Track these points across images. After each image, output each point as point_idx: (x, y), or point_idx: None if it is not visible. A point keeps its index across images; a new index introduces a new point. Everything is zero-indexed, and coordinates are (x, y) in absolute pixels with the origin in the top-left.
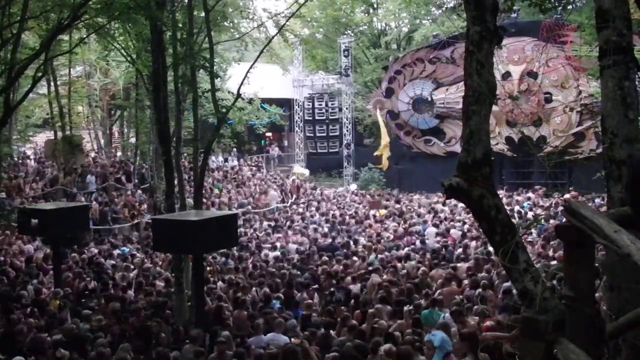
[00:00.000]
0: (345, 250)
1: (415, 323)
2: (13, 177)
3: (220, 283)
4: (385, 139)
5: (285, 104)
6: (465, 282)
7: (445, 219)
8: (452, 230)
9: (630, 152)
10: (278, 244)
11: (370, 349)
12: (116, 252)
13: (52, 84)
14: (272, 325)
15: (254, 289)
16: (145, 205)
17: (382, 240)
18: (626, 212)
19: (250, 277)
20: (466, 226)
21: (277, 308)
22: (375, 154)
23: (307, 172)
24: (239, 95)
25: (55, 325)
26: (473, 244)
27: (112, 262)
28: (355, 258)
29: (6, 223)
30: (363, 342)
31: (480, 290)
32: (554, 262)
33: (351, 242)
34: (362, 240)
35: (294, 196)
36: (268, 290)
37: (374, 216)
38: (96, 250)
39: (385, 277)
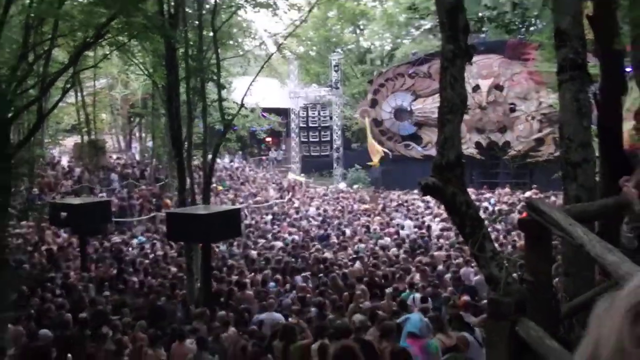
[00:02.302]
0: (334, 240)
1: (401, 304)
2: (45, 176)
3: (225, 268)
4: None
5: (283, 112)
6: (440, 267)
7: (421, 214)
8: (428, 223)
9: (585, 156)
10: (270, 236)
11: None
12: (134, 241)
13: (79, 94)
14: (267, 306)
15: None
16: (170, 201)
17: (365, 232)
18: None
19: (252, 264)
20: (439, 219)
21: (274, 290)
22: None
23: (302, 178)
24: (242, 104)
25: (80, 305)
26: (448, 234)
27: (131, 249)
28: (343, 247)
29: (38, 216)
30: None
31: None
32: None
33: (340, 233)
34: (348, 231)
35: (290, 194)
36: (270, 273)
37: (367, 210)
38: (118, 240)
39: (369, 263)
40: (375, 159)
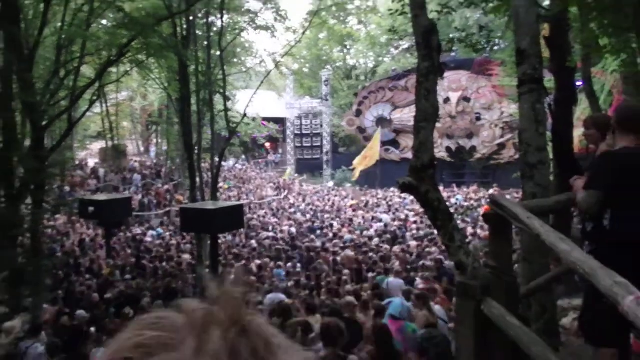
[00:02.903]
0: (324, 231)
1: (374, 287)
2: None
3: (231, 256)
4: (372, 157)
5: (280, 121)
6: (414, 256)
7: (399, 209)
8: (406, 217)
9: (540, 158)
10: (270, 227)
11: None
12: (151, 232)
13: (104, 105)
14: (273, 287)
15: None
16: (182, 197)
17: (349, 224)
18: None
19: (253, 252)
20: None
21: (276, 274)
22: (354, 167)
23: (290, 174)
24: (245, 114)
25: (107, 287)
26: (422, 227)
27: (150, 239)
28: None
29: (69, 210)
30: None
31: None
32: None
33: (329, 225)
34: (336, 224)
35: (286, 191)
36: (268, 260)
37: (353, 206)
38: (138, 231)
39: (355, 251)
40: (356, 173)
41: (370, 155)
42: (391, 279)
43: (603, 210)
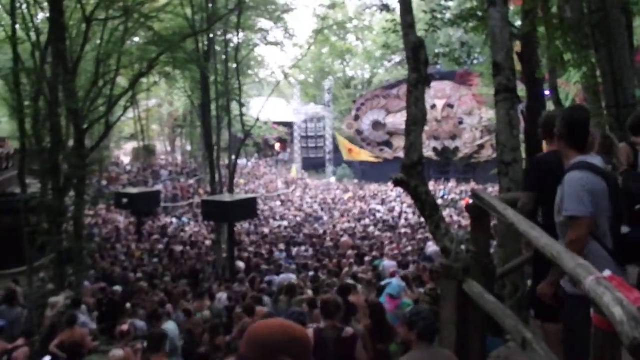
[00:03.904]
0: (326, 219)
1: (374, 269)
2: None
3: (244, 242)
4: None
5: (288, 124)
6: (404, 241)
7: (392, 201)
8: (398, 208)
9: (514, 157)
10: (279, 216)
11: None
12: (174, 220)
13: (136, 110)
14: (282, 269)
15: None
16: (203, 191)
17: (350, 214)
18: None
19: (265, 238)
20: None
21: (282, 257)
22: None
23: (296, 171)
24: (258, 119)
25: (137, 268)
26: (410, 217)
27: (175, 227)
28: (332, 225)
29: (106, 201)
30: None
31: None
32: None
33: (330, 215)
34: (337, 214)
35: (294, 185)
36: (282, 246)
37: (350, 198)
38: (166, 220)
39: (351, 238)
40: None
41: (355, 151)
42: (385, 262)
43: (538, 207)
